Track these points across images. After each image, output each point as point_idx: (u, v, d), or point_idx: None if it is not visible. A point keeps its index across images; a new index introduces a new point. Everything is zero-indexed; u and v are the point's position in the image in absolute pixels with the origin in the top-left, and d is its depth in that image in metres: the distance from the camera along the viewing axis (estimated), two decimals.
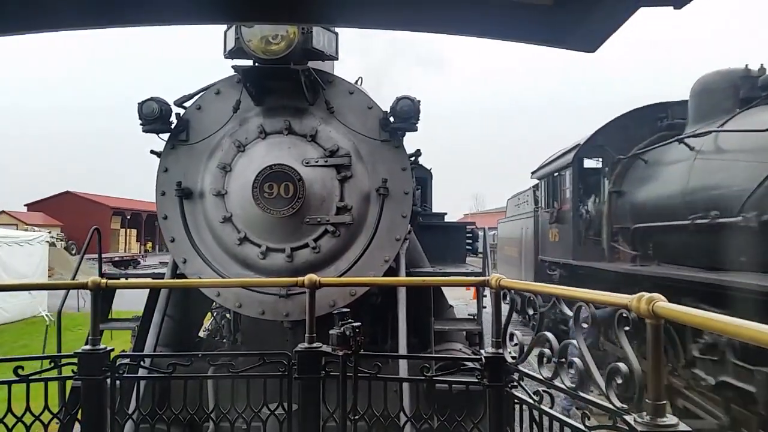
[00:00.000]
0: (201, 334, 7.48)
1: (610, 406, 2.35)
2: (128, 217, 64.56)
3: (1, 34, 2.17)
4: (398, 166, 5.84)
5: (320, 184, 5.57)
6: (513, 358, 3.20)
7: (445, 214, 9.38)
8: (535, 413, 2.95)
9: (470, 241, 8.18)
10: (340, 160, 5.62)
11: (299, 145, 5.64)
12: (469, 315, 6.65)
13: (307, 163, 5.54)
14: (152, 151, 5.96)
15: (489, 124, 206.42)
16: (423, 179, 9.37)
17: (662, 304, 2.06)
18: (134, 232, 64.67)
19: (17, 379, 3.50)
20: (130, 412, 3.93)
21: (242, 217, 5.59)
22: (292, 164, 5.36)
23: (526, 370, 3.11)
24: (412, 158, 6.50)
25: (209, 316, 8.00)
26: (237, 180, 5.61)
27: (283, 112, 5.76)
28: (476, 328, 6.00)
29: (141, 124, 5.70)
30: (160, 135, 5.84)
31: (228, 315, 7.07)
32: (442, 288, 6.80)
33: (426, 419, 3.60)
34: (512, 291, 3.22)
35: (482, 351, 3.52)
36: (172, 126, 5.85)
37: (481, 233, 7.61)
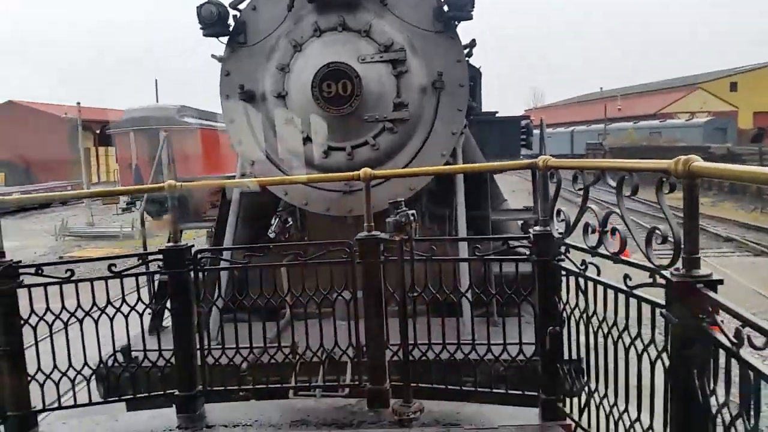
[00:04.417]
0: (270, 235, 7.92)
1: (650, 265, 2.49)
2: (98, 132, 47.52)
3: None
4: (453, 58, 5.81)
5: (376, 81, 5.64)
6: (560, 233, 3.34)
7: (496, 113, 9.20)
8: (581, 281, 3.13)
9: (524, 136, 8.06)
10: (395, 55, 5.64)
11: (354, 41, 5.68)
12: (524, 207, 6.76)
13: (363, 59, 5.59)
14: (213, 56, 6.14)
15: (544, 13, 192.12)
16: (471, 78, 9.15)
17: (698, 163, 2.16)
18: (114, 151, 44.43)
19: (112, 275, 3.93)
20: (213, 300, 4.38)
21: (303, 117, 5.78)
22: (348, 61, 5.44)
23: (572, 243, 3.26)
24: (467, 50, 6.43)
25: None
26: (296, 80, 5.75)
27: (336, 8, 5.75)
28: (533, 217, 6.11)
29: (201, 28, 5.84)
30: (220, 39, 5.98)
31: (290, 219, 7.38)
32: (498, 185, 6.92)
33: (479, 293, 3.84)
34: (559, 170, 3.32)
35: (530, 230, 3.67)
36: (231, 29, 5.96)
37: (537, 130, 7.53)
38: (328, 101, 5.50)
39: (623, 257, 2.70)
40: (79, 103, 35.42)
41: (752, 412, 1.99)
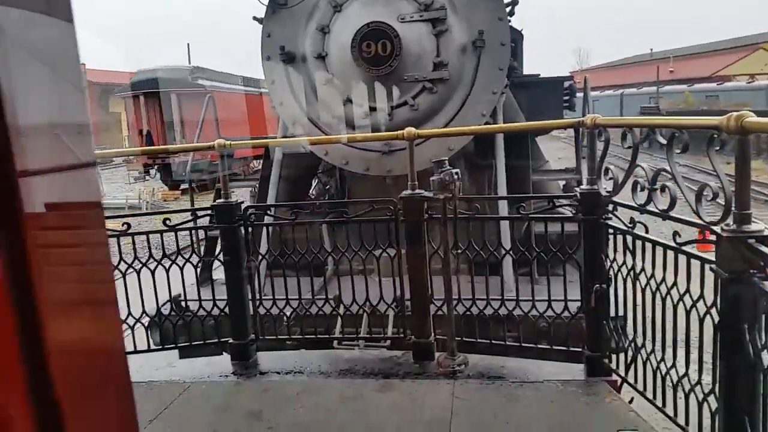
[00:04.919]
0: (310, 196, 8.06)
1: (700, 221, 2.51)
2: None
3: None
4: (495, 16, 5.74)
5: (416, 40, 5.62)
6: (608, 192, 3.36)
7: (538, 75, 9.04)
8: (629, 239, 3.16)
9: (567, 97, 7.90)
10: (436, 14, 5.60)
11: (394, 0, 5.66)
12: (565, 168, 6.73)
13: (403, 18, 5.58)
14: (254, 18, 6.19)
15: None
16: (513, 41, 8.89)
17: (751, 119, 2.15)
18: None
19: (167, 228, 4.10)
20: (262, 253, 4.54)
21: (343, 78, 5.81)
22: (388, 21, 5.43)
23: (620, 201, 3.27)
24: (508, 8, 6.34)
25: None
26: (336, 41, 5.77)
27: None
28: (574, 177, 6.09)
29: None
30: (261, 0, 6.02)
31: (330, 181, 7.45)
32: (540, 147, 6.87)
33: (523, 251, 3.90)
34: (607, 129, 3.32)
35: (577, 188, 3.69)
36: None
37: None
38: (367, 61, 5.51)
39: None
40: (84, 65, 34.77)
41: None
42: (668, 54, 59.20)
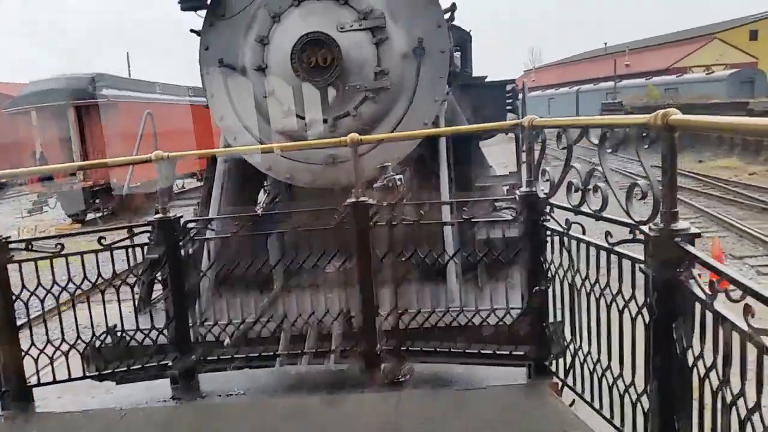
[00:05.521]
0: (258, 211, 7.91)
1: (630, 221, 2.54)
2: None
3: None
4: (434, 23, 5.78)
5: (356, 50, 5.60)
6: (545, 194, 3.39)
7: (485, 77, 9.14)
8: (565, 240, 3.19)
9: (510, 100, 8.02)
10: (375, 22, 5.60)
11: (333, 9, 5.62)
12: (509, 173, 6.82)
13: (342, 28, 5.55)
14: (192, 30, 6.07)
15: None
16: (462, 42, 9.01)
17: (676, 116, 2.18)
18: None
19: (102, 248, 3.93)
20: (203, 270, 4.41)
21: (284, 89, 5.74)
22: (327, 30, 5.40)
23: (556, 203, 3.30)
24: (447, 14, 6.39)
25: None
26: (275, 53, 5.70)
27: None
28: (517, 183, 6.16)
29: (179, 2, 5.76)
30: (198, 12, 5.91)
31: (279, 197, 7.34)
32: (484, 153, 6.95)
33: (467, 257, 3.90)
34: (544, 130, 3.35)
35: (516, 191, 3.71)
36: (209, 2, 5.88)
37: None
38: (308, 72, 5.47)
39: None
40: None
41: (726, 364, 2.02)
42: (623, 48, 58.69)
